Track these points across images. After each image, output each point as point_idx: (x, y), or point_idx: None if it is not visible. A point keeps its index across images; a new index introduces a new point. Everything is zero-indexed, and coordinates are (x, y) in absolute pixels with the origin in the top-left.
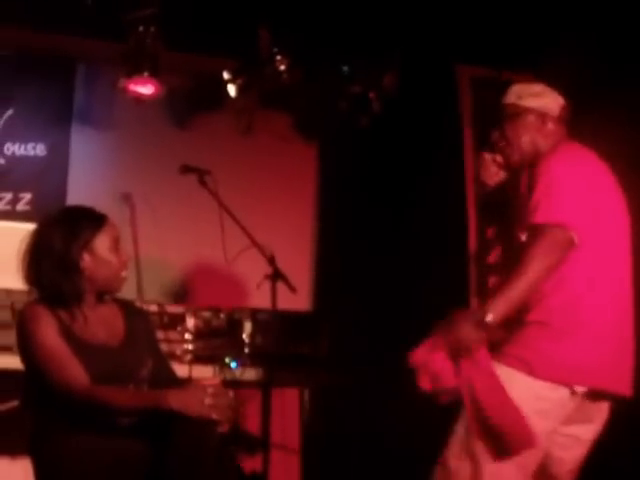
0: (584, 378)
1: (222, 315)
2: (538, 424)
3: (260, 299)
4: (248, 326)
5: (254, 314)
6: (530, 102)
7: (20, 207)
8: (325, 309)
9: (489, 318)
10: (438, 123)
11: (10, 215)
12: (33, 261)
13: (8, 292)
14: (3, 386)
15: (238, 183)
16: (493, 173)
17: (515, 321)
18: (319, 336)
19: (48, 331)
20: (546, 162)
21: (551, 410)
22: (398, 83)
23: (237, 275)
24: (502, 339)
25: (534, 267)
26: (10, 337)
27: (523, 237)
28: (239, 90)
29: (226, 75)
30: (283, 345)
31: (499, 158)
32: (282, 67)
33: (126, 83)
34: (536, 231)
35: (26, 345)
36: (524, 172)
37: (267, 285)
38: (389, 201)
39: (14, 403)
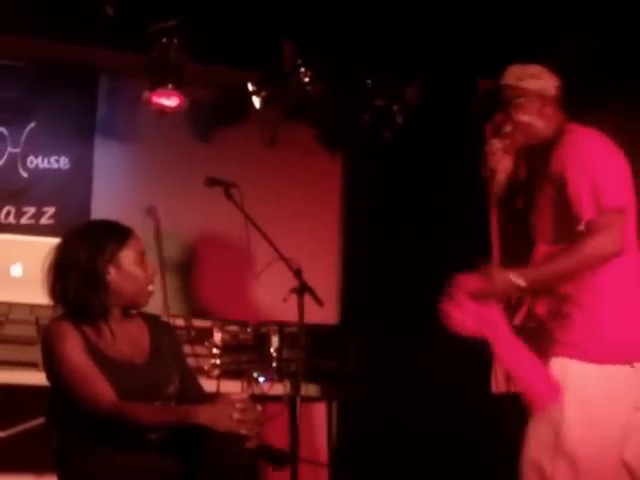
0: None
1: (249, 329)
2: (613, 409)
3: (287, 313)
4: (275, 340)
5: (281, 328)
6: (530, 84)
7: (44, 221)
8: (353, 322)
9: (521, 282)
10: (460, 136)
11: (33, 229)
12: (58, 276)
13: (32, 307)
14: (28, 403)
15: (264, 196)
16: (500, 158)
17: (555, 308)
18: (347, 349)
19: (74, 347)
20: (576, 146)
21: (622, 393)
22: (421, 96)
23: (264, 289)
24: (543, 328)
25: (586, 253)
26: (35, 353)
27: (580, 225)
28: (264, 102)
29: (251, 87)
30: (311, 359)
31: (504, 143)
32: (306, 79)
33: (150, 95)
34: (596, 221)
35: (52, 362)
36: (538, 155)
37: (294, 298)
38: (413, 212)
39: (40, 420)
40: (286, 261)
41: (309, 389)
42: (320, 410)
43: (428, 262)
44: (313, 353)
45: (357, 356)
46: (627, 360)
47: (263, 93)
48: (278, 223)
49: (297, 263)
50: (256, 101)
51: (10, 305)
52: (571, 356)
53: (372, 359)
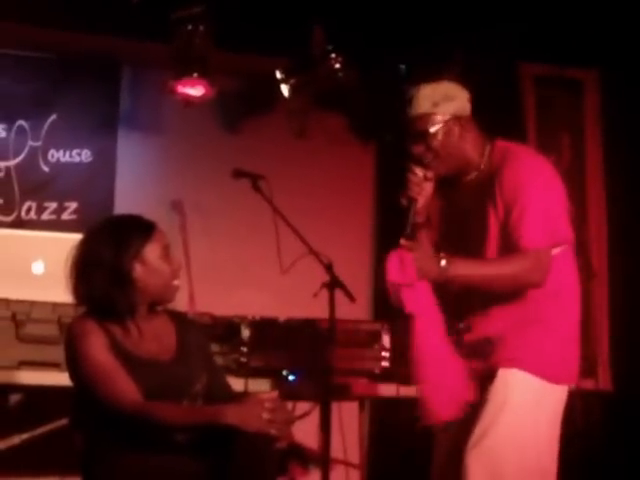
0: (576, 376)
1: (278, 326)
2: (556, 430)
3: (318, 308)
4: (305, 337)
5: (311, 324)
6: (446, 108)
7: (65, 216)
8: (386, 318)
9: (447, 267)
10: (500, 123)
11: (55, 225)
12: (83, 274)
13: (54, 306)
14: (51, 403)
15: (293, 188)
16: (423, 189)
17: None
18: (380, 346)
19: (97, 346)
20: (529, 173)
21: (560, 413)
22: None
23: (293, 284)
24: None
25: (514, 273)
26: (57, 353)
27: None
28: (293, 90)
29: (279, 75)
30: (342, 356)
31: (429, 174)
32: (337, 66)
33: (175, 85)
34: (538, 251)
35: (75, 361)
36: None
37: (325, 294)
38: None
39: (63, 421)
40: (316, 255)
41: (340, 387)
42: (352, 409)
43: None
44: (345, 350)
45: (390, 353)
46: (571, 381)
47: (292, 81)
48: (308, 216)
49: (328, 257)
50: (285, 89)
51: (32, 303)
52: (531, 372)
53: (405, 357)
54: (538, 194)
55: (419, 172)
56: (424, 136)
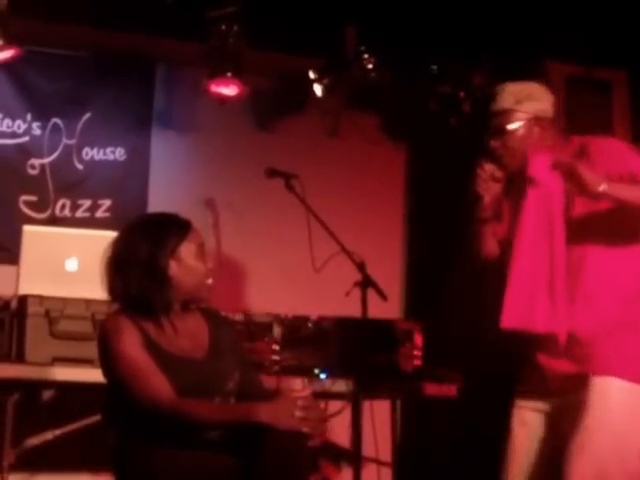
0: None
1: (310, 324)
2: None
3: (350, 307)
4: (337, 335)
5: (343, 323)
6: (528, 107)
7: (99, 214)
8: (418, 317)
9: (602, 187)
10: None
11: (89, 222)
12: (119, 271)
13: (88, 302)
14: (84, 399)
15: (325, 187)
16: (491, 186)
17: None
18: (412, 345)
19: (131, 343)
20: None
21: None
22: (488, 82)
23: (325, 282)
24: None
25: None
26: (91, 349)
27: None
28: (325, 90)
29: (312, 74)
30: (374, 355)
31: (498, 172)
32: (369, 66)
33: (208, 84)
34: None
35: (109, 358)
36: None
37: (357, 292)
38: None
39: (96, 417)
40: (349, 254)
41: (372, 386)
42: (384, 408)
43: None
44: (377, 349)
45: (422, 353)
46: None
47: (325, 81)
48: (340, 215)
49: (360, 256)
50: (318, 89)
51: (65, 300)
52: (618, 376)
53: (439, 355)
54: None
55: (488, 168)
56: (502, 132)
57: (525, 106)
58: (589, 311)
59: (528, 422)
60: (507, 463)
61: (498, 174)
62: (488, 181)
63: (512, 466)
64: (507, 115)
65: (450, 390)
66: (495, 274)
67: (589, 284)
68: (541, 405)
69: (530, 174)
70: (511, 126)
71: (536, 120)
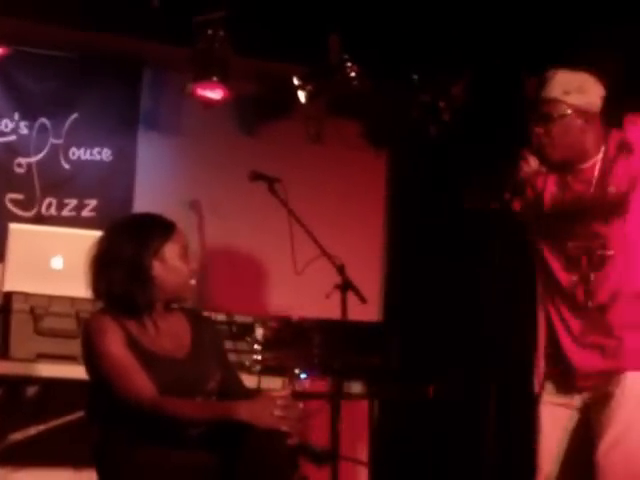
0: None
1: (291, 325)
2: None
3: (330, 309)
4: (317, 337)
5: (324, 325)
6: (576, 99)
7: (85, 214)
8: (396, 320)
9: None
10: (507, 132)
11: (75, 222)
12: (102, 270)
13: (72, 300)
14: (68, 396)
15: (307, 191)
16: (529, 176)
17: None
18: (390, 347)
19: (114, 342)
20: None
21: None
22: (468, 92)
23: (306, 285)
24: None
25: None
26: (75, 346)
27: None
28: (309, 97)
29: (296, 81)
30: (353, 356)
31: (543, 168)
32: (352, 74)
33: (194, 87)
34: None
35: (92, 356)
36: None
37: (337, 295)
38: (458, 210)
39: (79, 414)
40: (329, 257)
41: (351, 387)
42: (361, 408)
43: (472, 260)
44: (356, 351)
45: (400, 354)
46: None
47: (308, 87)
48: (322, 219)
49: (340, 259)
50: (301, 95)
51: (50, 298)
52: None
53: (416, 358)
54: None
55: (532, 161)
56: (547, 120)
57: (572, 98)
58: (627, 307)
59: (558, 418)
60: (539, 458)
61: (541, 168)
62: (530, 174)
63: (543, 461)
64: (553, 104)
65: (426, 391)
66: (475, 277)
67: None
68: (571, 401)
69: (628, 139)
70: (555, 115)
71: (581, 113)
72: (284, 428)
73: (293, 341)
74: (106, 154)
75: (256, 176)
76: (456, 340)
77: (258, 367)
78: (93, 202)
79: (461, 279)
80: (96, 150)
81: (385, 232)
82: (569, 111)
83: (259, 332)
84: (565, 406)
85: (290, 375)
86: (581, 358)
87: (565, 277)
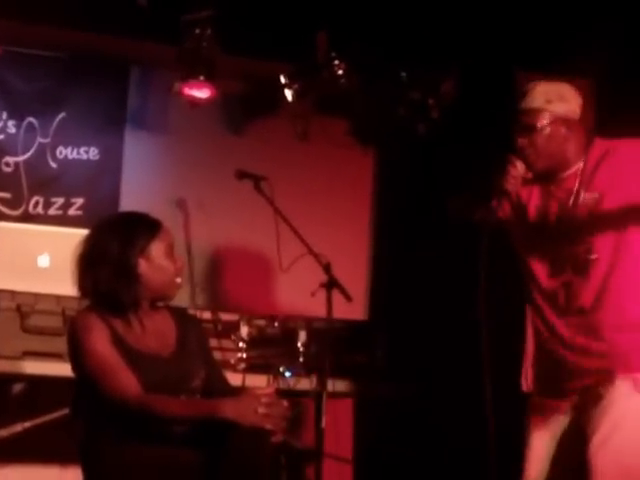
0: None
1: (276, 323)
2: None
3: (315, 307)
4: (303, 335)
5: (309, 323)
6: (558, 107)
7: (72, 212)
8: (381, 318)
9: None
10: (496, 130)
11: (62, 220)
12: (89, 268)
13: (59, 298)
14: (54, 393)
15: (294, 190)
16: (517, 181)
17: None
18: (375, 346)
19: (100, 339)
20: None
21: None
22: (457, 90)
23: (292, 283)
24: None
25: None
26: (61, 344)
27: None
28: (296, 95)
29: (283, 79)
30: (338, 354)
31: (529, 174)
32: (340, 72)
33: (181, 86)
34: None
35: (78, 353)
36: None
37: (322, 293)
38: (444, 208)
39: (64, 411)
40: (315, 256)
41: (335, 385)
42: (346, 406)
43: (458, 258)
44: (340, 349)
45: (384, 353)
46: None
47: (295, 86)
48: (308, 217)
49: (326, 258)
50: (288, 94)
51: (36, 296)
52: None
53: (401, 356)
54: None
55: (520, 166)
56: (531, 130)
57: (555, 106)
58: (614, 309)
59: (547, 420)
60: (526, 462)
61: (528, 174)
62: (519, 178)
63: (531, 465)
64: (536, 114)
65: (410, 389)
66: (462, 275)
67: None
68: (560, 404)
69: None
70: (539, 125)
71: (564, 121)
72: (268, 426)
73: (278, 339)
74: (93, 153)
75: (242, 174)
76: (442, 339)
77: (243, 365)
78: (80, 201)
79: (448, 277)
80: (83, 149)
81: (372, 230)
82: (552, 119)
83: (244, 330)
84: (554, 409)
85: (275, 373)
86: (569, 361)
87: (548, 282)
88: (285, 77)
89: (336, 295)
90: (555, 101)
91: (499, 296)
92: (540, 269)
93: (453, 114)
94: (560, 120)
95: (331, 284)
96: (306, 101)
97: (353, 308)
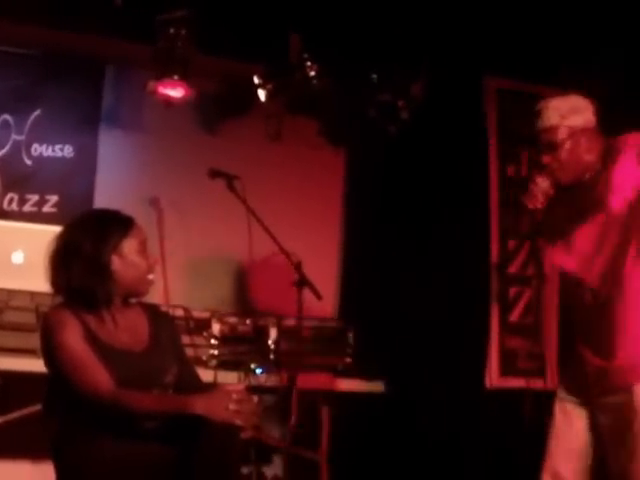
0: None
1: (248, 321)
2: None
3: (286, 306)
4: (274, 332)
5: (280, 320)
6: (574, 121)
7: (46, 209)
8: (351, 316)
9: None
10: (464, 133)
11: (36, 217)
12: (62, 265)
13: (32, 295)
14: (26, 389)
15: (266, 189)
16: (539, 198)
17: None
18: (345, 343)
19: (73, 335)
20: None
21: None
22: (426, 92)
23: (263, 281)
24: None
25: None
26: (34, 340)
27: None
28: (269, 95)
29: (256, 80)
30: (308, 352)
31: (552, 189)
32: (312, 73)
33: (156, 85)
34: None
35: (51, 349)
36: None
37: (293, 291)
38: (414, 208)
39: (37, 407)
40: (286, 254)
41: (306, 381)
42: (316, 403)
43: (427, 256)
44: (311, 346)
45: (354, 350)
46: None
47: (268, 86)
48: (280, 216)
49: (297, 256)
50: (261, 94)
51: (10, 292)
52: None
53: (370, 353)
54: None
55: (541, 183)
56: (552, 147)
57: (570, 120)
58: (634, 316)
59: (569, 412)
60: (549, 448)
61: (550, 190)
62: (544, 194)
63: (554, 460)
64: (554, 131)
65: (379, 387)
66: (430, 275)
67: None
68: (581, 399)
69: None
70: (559, 140)
71: (582, 131)
72: (238, 422)
73: (249, 336)
74: (68, 150)
75: (215, 173)
76: (411, 337)
77: (214, 362)
78: (54, 198)
79: (416, 277)
80: (58, 147)
81: (342, 230)
82: (571, 133)
83: (216, 327)
84: (575, 403)
85: (246, 370)
86: (593, 360)
87: (575, 277)
88: (258, 77)
89: (307, 293)
90: (569, 115)
91: (465, 291)
92: (567, 263)
93: (423, 115)
94: (578, 132)
95: (301, 282)
96: (279, 101)
97: (323, 306)
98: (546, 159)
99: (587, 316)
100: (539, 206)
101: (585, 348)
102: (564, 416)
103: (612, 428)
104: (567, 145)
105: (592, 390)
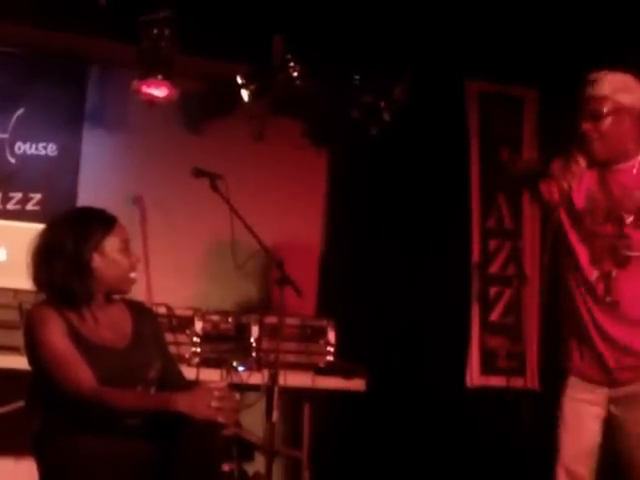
0: None
1: (230, 319)
2: None
3: (268, 303)
4: (256, 330)
5: (262, 318)
6: (625, 98)
7: (30, 207)
8: (332, 314)
9: None
10: (446, 134)
11: (20, 215)
12: (44, 262)
13: (15, 292)
14: (9, 386)
15: (249, 188)
16: (576, 177)
17: None
18: (326, 341)
19: (56, 333)
20: None
21: None
22: (408, 94)
23: (246, 279)
24: None
25: None
26: (17, 337)
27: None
28: (252, 96)
29: (240, 80)
30: (289, 349)
31: (586, 158)
32: (295, 74)
33: (139, 85)
34: None
35: (34, 347)
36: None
37: (275, 289)
38: (396, 208)
39: (19, 403)
40: (269, 253)
41: (287, 379)
42: (297, 401)
43: (409, 257)
44: (292, 344)
45: (334, 348)
46: None
47: (252, 87)
48: (262, 215)
49: (279, 255)
50: (245, 94)
51: None
52: None
53: (351, 351)
54: None
55: (582, 162)
56: (597, 116)
57: (621, 96)
58: None
59: (581, 413)
60: (560, 454)
61: (585, 171)
62: (580, 174)
63: (565, 457)
64: (604, 101)
65: (360, 385)
66: (411, 275)
67: None
68: (595, 397)
69: None
70: (605, 111)
71: (628, 110)
72: (220, 419)
73: (231, 334)
74: (51, 149)
75: (199, 172)
76: (392, 336)
77: (197, 359)
78: (38, 196)
79: (398, 276)
80: (41, 145)
81: (324, 229)
82: (618, 107)
83: (198, 325)
84: (588, 402)
85: (228, 367)
86: (609, 352)
87: (590, 270)
88: (242, 78)
89: (289, 291)
90: (621, 91)
91: (446, 289)
92: (583, 255)
93: (405, 117)
94: (625, 110)
95: (283, 280)
96: (262, 102)
97: (305, 304)
98: (587, 126)
99: (601, 313)
100: (573, 185)
101: (603, 343)
102: (576, 416)
103: (630, 421)
104: (611, 118)
105: (610, 383)
